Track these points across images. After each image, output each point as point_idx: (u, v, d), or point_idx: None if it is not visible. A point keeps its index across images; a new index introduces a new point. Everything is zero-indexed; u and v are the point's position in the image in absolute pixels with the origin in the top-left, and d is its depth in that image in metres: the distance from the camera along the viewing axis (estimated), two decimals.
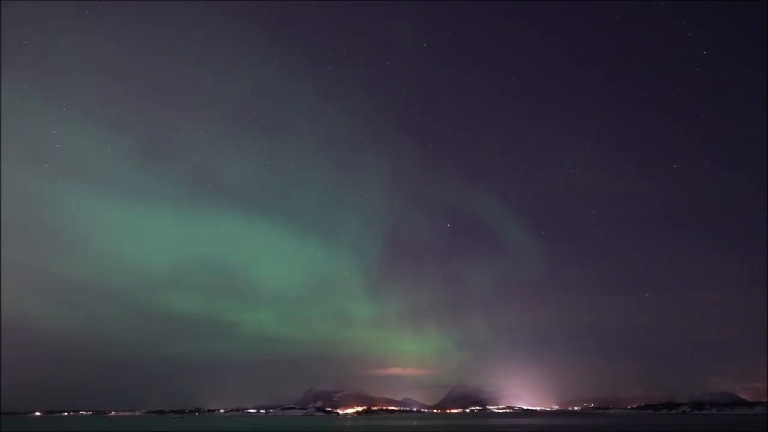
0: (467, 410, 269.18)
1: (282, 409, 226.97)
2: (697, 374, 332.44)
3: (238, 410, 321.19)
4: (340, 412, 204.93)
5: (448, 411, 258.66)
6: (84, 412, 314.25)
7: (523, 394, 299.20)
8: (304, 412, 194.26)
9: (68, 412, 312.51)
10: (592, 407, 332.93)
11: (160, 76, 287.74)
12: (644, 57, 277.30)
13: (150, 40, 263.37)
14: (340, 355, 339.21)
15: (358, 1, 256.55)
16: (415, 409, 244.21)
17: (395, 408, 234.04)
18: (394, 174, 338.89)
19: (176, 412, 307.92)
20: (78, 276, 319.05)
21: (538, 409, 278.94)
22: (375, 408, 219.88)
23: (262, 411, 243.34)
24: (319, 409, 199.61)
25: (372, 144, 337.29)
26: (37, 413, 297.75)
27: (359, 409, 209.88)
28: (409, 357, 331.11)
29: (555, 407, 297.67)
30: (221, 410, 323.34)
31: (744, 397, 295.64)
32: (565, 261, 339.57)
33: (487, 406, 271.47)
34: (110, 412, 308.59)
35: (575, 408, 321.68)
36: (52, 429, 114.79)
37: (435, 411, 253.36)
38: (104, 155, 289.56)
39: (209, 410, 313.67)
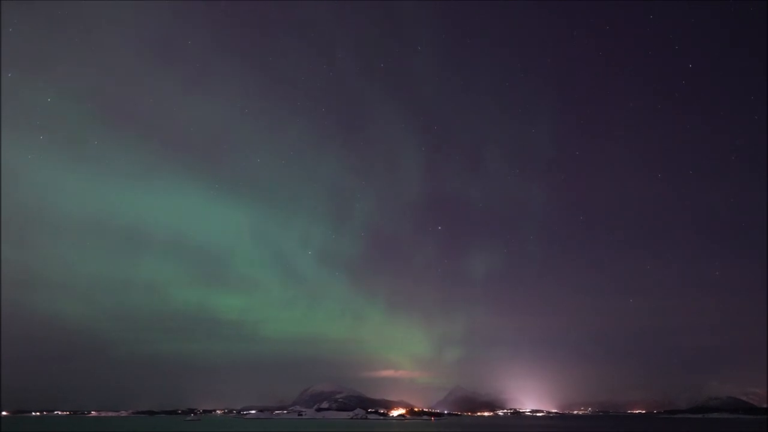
0: (500, 413, 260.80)
1: (317, 410, 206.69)
2: (695, 378, 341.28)
3: (234, 411, 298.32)
4: (394, 413, 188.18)
5: (478, 414, 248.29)
6: (59, 412, 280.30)
7: (521, 397, 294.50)
8: (352, 414, 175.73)
9: (40, 412, 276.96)
10: (590, 411, 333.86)
11: (150, 69, 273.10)
12: (633, 68, 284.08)
13: (144, 36, 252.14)
14: (333, 356, 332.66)
15: (356, 2, 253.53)
16: (446, 412, 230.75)
17: (430, 410, 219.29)
18: (385, 178, 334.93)
19: (168, 412, 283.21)
20: (61, 270, 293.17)
21: (568, 412, 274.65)
22: (416, 409, 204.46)
23: (284, 412, 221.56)
24: (370, 412, 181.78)
25: (366, 145, 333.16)
26: (5, 413, 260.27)
27: (403, 411, 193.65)
28: (402, 359, 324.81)
29: (555, 411, 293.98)
30: (218, 411, 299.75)
31: (751, 402, 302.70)
32: (558, 266, 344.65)
33: (518, 409, 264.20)
34: (90, 412, 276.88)
35: (576, 411, 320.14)
36: (55, 430, 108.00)
37: (468, 414, 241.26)
38: (99, 146, 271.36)
39: (204, 411, 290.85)
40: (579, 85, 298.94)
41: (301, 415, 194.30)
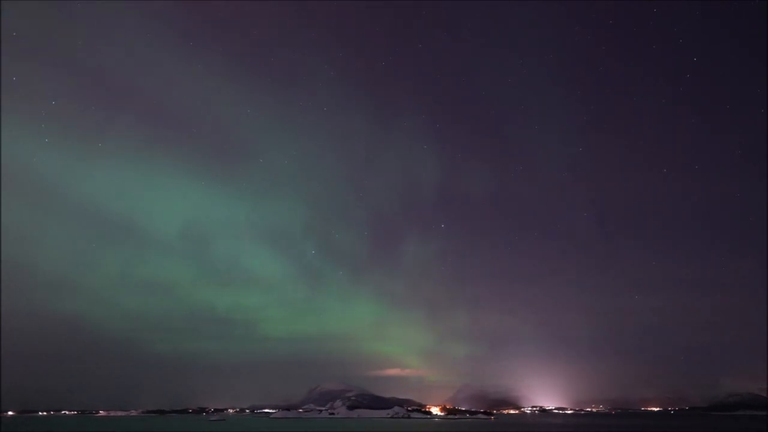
0: (527, 410, 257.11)
1: (348, 408, 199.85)
2: (705, 375, 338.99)
3: (247, 410, 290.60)
4: (432, 410, 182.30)
5: (505, 412, 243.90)
6: (67, 412, 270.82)
7: (530, 395, 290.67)
8: (390, 412, 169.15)
9: (47, 411, 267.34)
10: (603, 408, 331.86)
11: (152, 71, 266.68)
12: (637, 62, 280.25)
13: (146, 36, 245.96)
14: (337, 355, 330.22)
15: (357, 1, 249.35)
16: (473, 409, 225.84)
17: (455, 408, 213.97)
18: (388, 175, 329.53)
19: (178, 411, 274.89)
20: (67, 268, 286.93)
21: (580, 409, 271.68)
22: (449, 407, 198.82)
23: (300, 410, 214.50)
24: (412, 410, 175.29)
25: (368, 143, 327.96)
26: (10, 413, 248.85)
27: (437, 409, 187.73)
28: (407, 358, 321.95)
29: (568, 409, 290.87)
30: (230, 410, 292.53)
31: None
32: (562, 262, 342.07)
33: (544, 407, 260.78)
34: (98, 412, 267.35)
35: (588, 409, 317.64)
36: (63, 430, 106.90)
37: (495, 412, 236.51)
38: (104, 147, 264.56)
39: (216, 410, 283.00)
40: (582, 82, 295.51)
41: (333, 414, 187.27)
